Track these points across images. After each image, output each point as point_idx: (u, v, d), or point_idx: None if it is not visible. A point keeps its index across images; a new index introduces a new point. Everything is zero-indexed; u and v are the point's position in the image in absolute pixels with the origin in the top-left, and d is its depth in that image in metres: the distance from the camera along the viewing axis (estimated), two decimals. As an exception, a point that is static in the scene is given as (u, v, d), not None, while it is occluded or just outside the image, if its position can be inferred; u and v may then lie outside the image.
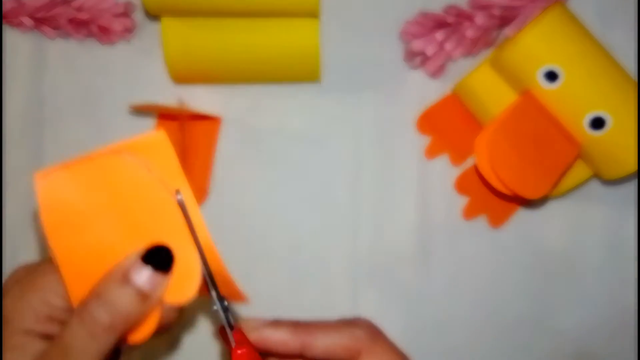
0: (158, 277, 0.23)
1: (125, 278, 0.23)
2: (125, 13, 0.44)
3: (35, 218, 0.32)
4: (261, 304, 0.43)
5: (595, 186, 0.45)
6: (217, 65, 0.40)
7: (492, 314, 0.44)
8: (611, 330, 0.44)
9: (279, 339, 0.27)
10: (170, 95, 0.44)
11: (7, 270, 0.43)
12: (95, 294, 0.23)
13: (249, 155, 0.44)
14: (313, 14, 0.38)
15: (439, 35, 0.42)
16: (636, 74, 0.44)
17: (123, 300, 0.23)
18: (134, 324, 0.23)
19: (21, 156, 0.44)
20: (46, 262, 0.25)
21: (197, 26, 0.39)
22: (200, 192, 0.42)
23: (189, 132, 0.41)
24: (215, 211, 0.43)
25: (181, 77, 0.42)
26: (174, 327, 0.26)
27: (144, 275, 0.23)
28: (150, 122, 0.45)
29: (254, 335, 0.27)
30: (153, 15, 0.39)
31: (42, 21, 0.44)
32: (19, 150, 0.44)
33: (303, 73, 0.41)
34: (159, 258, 0.24)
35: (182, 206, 0.25)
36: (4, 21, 0.44)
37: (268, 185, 0.44)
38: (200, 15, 0.39)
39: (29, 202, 0.43)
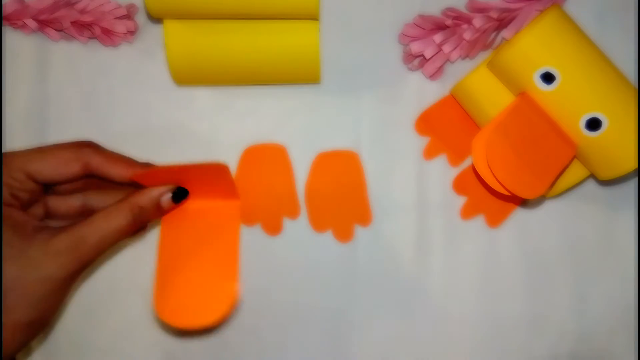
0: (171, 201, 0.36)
1: (157, 194, 0.36)
2: (128, 15, 0.44)
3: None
4: (260, 300, 0.43)
5: (591, 186, 0.45)
6: (219, 67, 0.41)
7: (490, 314, 0.44)
8: (608, 330, 0.44)
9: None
10: (171, 97, 0.44)
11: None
12: (140, 193, 0.35)
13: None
14: (313, 16, 0.38)
15: (438, 37, 0.42)
16: (635, 75, 0.45)
17: (150, 201, 0.35)
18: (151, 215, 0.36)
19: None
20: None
21: (198, 28, 0.39)
22: (232, 284, 0.36)
23: (205, 214, 0.38)
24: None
25: (183, 78, 0.42)
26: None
27: (165, 197, 0.36)
28: (151, 121, 0.45)
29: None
30: (155, 18, 0.39)
31: (45, 23, 0.44)
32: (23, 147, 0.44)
33: (303, 75, 0.42)
34: (180, 193, 0.36)
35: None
36: (7, 23, 0.44)
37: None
38: (202, 18, 0.39)
39: None
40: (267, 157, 0.43)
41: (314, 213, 0.43)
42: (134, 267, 0.43)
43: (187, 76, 0.41)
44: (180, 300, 0.35)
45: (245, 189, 0.43)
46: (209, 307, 0.35)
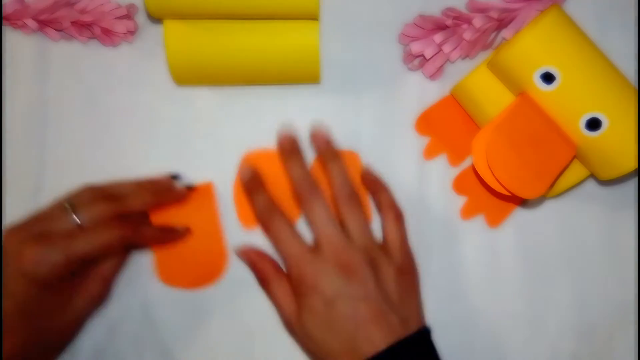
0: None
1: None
2: (128, 15, 0.44)
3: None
4: (259, 294, 0.43)
5: (591, 186, 0.45)
6: (219, 67, 0.41)
7: (489, 314, 0.44)
8: (608, 330, 0.44)
9: None
10: (171, 97, 0.45)
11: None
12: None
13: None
14: (313, 16, 0.38)
15: (438, 37, 0.42)
16: (635, 75, 0.45)
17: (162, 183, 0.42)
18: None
19: (24, 157, 0.44)
20: None
21: (199, 28, 0.39)
22: (221, 257, 0.43)
23: (184, 208, 0.43)
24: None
25: (183, 78, 0.42)
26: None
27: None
28: (151, 122, 0.45)
29: None
30: (155, 18, 0.39)
31: (45, 23, 0.44)
32: (22, 151, 0.44)
33: (303, 75, 0.42)
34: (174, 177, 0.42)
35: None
36: (7, 23, 0.44)
37: None
38: (202, 18, 0.39)
39: (30, 202, 0.44)
40: (271, 163, 0.43)
41: None
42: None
43: (187, 76, 0.41)
44: (178, 268, 0.43)
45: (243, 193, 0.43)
46: (203, 270, 0.43)
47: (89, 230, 0.37)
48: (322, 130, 0.42)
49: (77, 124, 0.44)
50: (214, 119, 0.45)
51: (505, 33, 0.44)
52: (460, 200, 0.44)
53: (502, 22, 0.43)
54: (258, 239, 0.43)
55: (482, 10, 0.43)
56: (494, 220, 0.44)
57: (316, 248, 0.38)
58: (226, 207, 0.44)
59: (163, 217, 0.42)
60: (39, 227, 0.37)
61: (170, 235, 0.42)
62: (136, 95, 0.45)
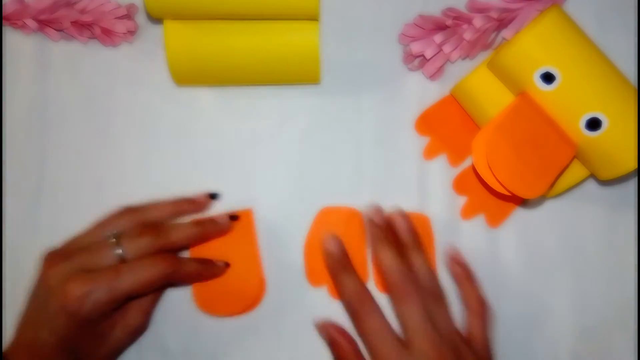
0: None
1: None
2: (128, 15, 0.44)
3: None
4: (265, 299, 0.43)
5: (591, 186, 0.45)
6: (219, 67, 0.40)
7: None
8: (608, 329, 0.44)
9: None
10: (171, 97, 0.44)
11: (7, 270, 0.43)
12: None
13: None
14: (313, 16, 0.38)
15: (438, 37, 0.42)
16: (635, 75, 0.44)
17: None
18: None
19: (24, 157, 0.44)
20: None
21: (198, 29, 0.39)
22: (259, 285, 0.43)
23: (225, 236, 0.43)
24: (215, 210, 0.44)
25: (183, 79, 0.42)
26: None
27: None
28: (151, 122, 0.45)
29: None
30: (155, 18, 0.39)
31: (45, 23, 0.44)
32: (22, 151, 0.44)
33: (303, 75, 0.42)
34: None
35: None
36: (7, 23, 0.44)
37: (268, 186, 0.44)
38: (202, 19, 0.39)
39: (30, 202, 0.44)
40: (342, 220, 0.43)
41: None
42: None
43: (187, 76, 0.41)
44: (216, 294, 0.42)
45: (317, 248, 0.43)
46: (240, 298, 0.42)
47: (133, 266, 0.36)
48: (402, 218, 0.42)
49: (77, 124, 0.44)
50: (214, 119, 0.44)
51: (505, 33, 0.44)
52: (461, 200, 0.44)
53: (502, 22, 0.43)
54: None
55: (482, 10, 0.43)
56: (495, 221, 0.44)
57: (407, 343, 0.37)
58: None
59: (202, 245, 0.42)
60: (83, 260, 0.36)
61: (211, 271, 0.41)
62: (136, 95, 0.44)
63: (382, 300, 0.41)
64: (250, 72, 0.41)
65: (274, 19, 0.39)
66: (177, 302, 0.43)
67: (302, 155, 0.44)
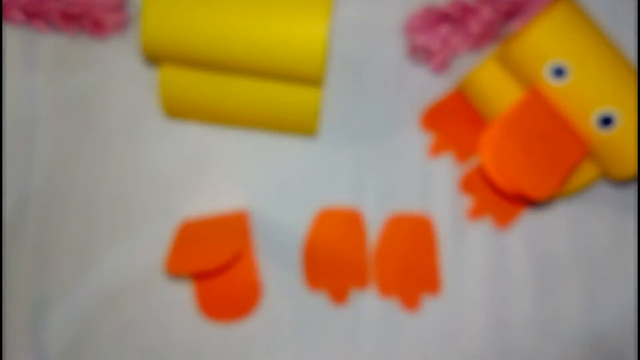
0: None
1: None
2: (118, 7, 0.43)
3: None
4: (263, 309, 0.43)
5: (603, 188, 0.45)
6: (213, 115, 0.41)
7: (498, 318, 0.43)
8: (620, 335, 0.44)
9: None
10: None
11: (7, 271, 0.43)
12: None
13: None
14: (316, 82, 0.38)
15: (444, 29, 0.42)
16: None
17: None
18: None
19: (13, 152, 0.44)
20: None
21: (196, 78, 0.39)
22: (254, 289, 0.43)
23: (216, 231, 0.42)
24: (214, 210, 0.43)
25: (175, 116, 0.42)
26: None
27: None
28: (142, 116, 0.44)
29: None
30: (152, 61, 0.40)
31: (33, 15, 0.43)
32: (10, 146, 0.44)
33: (300, 129, 0.42)
34: None
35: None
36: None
37: (268, 186, 0.44)
38: (200, 69, 0.39)
39: (19, 200, 0.43)
40: (341, 222, 0.43)
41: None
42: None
43: (179, 114, 0.42)
44: (210, 299, 0.43)
45: (315, 251, 0.43)
46: (234, 304, 0.43)
47: None
48: None
49: (66, 118, 0.44)
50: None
51: (514, 25, 0.43)
52: (467, 200, 0.44)
53: (511, 13, 0.42)
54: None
55: (489, 2, 0.42)
56: (503, 222, 0.44)
57: None
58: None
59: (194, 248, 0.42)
60: None
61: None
62: (127, 89, 0.44)
63: (379, 308, 0.42)
64: (246, 121, 0.42)
65: (275, 79, 0.39)
66: (175, 308, 0.43)
67: (299, 153, 0.44)
